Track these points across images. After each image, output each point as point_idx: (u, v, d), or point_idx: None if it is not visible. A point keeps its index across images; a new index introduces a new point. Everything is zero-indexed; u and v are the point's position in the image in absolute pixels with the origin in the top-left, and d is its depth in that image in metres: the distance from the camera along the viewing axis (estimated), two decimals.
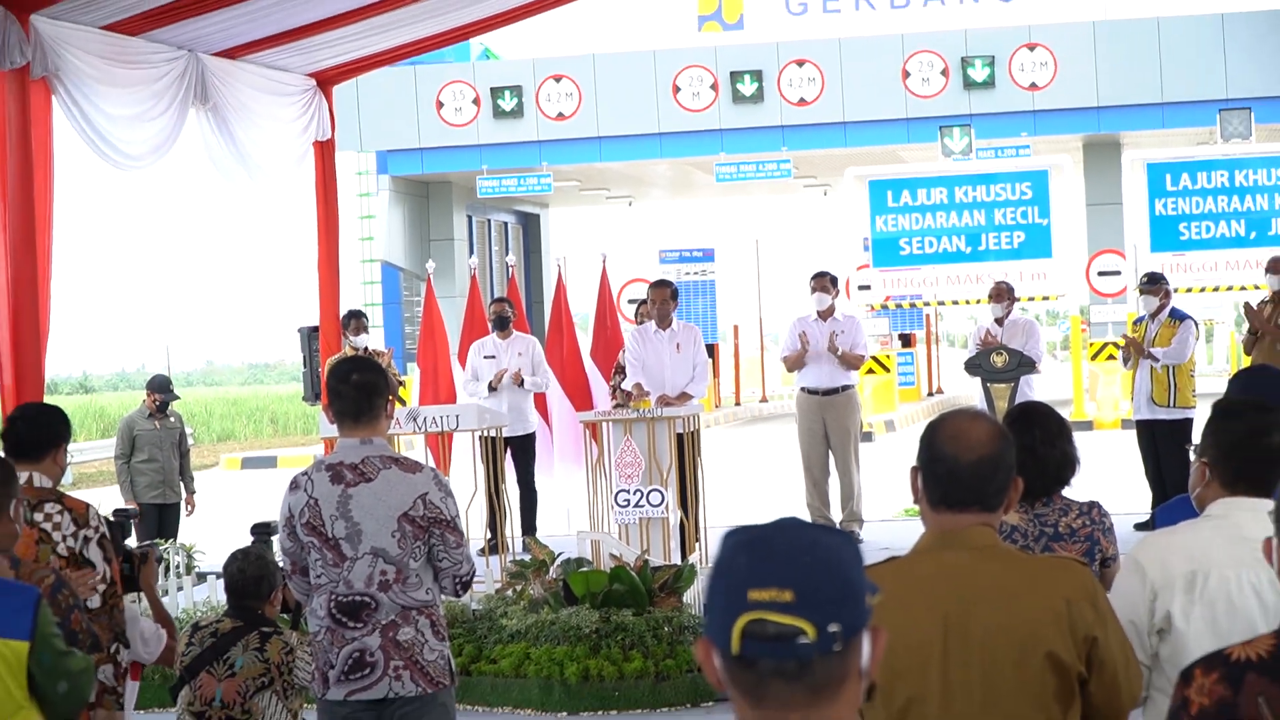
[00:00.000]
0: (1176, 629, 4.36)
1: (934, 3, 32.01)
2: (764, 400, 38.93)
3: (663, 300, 14.81)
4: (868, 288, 27.46)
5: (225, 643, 7.08)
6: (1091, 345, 29.46)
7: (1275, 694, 3.22)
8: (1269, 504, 4.00)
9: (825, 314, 15.40)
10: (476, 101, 31.62)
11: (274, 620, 7.21)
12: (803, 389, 15.56)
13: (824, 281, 15.58)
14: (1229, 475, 4.53)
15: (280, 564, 6.89)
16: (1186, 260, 24.13)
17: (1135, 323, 16.13)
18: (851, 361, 15.42)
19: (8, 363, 10.59)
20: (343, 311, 15.03)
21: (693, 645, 10.48)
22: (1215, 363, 41.80)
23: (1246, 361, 14.75)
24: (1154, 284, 15.75)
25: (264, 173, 13.91)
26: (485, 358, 15.52)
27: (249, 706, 6.98)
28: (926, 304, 28.25)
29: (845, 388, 15.44)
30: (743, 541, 2.40)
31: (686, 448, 13.71)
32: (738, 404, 37.44)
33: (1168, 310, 15.33)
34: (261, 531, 9.29)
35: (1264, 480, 4.44)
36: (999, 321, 16.13)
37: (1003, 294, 16.39)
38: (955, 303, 27.02)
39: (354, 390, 6.55)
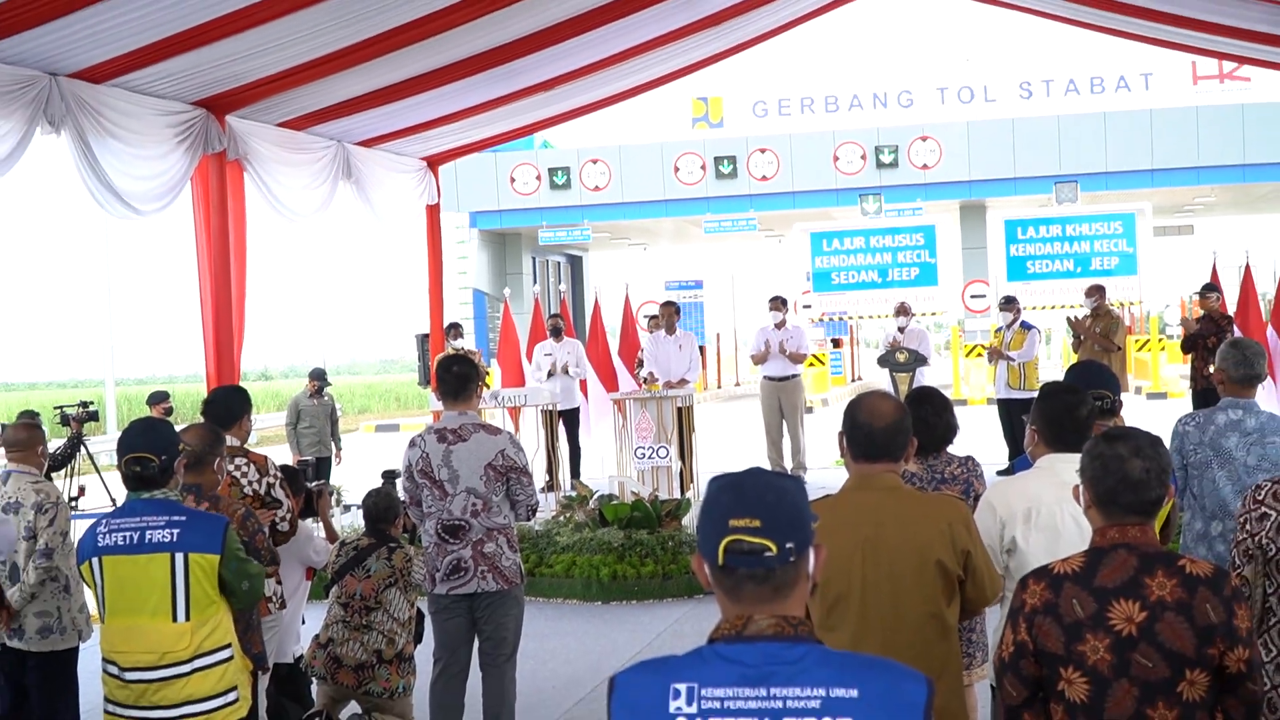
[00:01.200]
0: (1020, 549, 4.35)
1: (855, 108, 31.88)
2: (737, 385, 38.74)
3: (669, 315, 14.83)
4: (809, 306, 27.43)
5: (363, 554, 7.10)
6: (966, 346, 29.36)
7: (1084, 596, 3.25)
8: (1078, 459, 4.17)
9: (779, 325, 15.38)
10: (538, 178, 31.60)
11: (398, 538, 7.21)
12: (765, 377, 15.54)
13: (778, 303, 15.57)
14: (1051, 438, 4.54)
15: (402, 498, 6.89)
16: (1032, 287, 23.99)
17: (996, 331, 16.07)
18: (797, 358, 15.38)
19: (212, 359, 10.62)
20: (445, 323, 15.04)
21: (689, 556, 10.50)
22: (1053, 359, 41.57)
23: (1075, 358, 14.69)
24: (1009, 304, 15.71)
25: (391, 225, 13.97)
26: (545, 355, 15.54)
27: (380, 598, 6.99)
28: (850, 318, 28.17)
29: (793, 376, 15.41)
30: (724, 484, 2.41)
31: (684, 417, 13.72)
32: (719, 387, 37.27)
33: (1019, 322, 15.29)
34: (388, 476, 9.28)
35: (1076, 442, 4.43)
36: (901, 330, 16.10)
37: (904, 310, 16.36)
38: (870, 317, 26.88)
39: (454, 378, 6.57)
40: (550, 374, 15.26)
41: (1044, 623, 3.25)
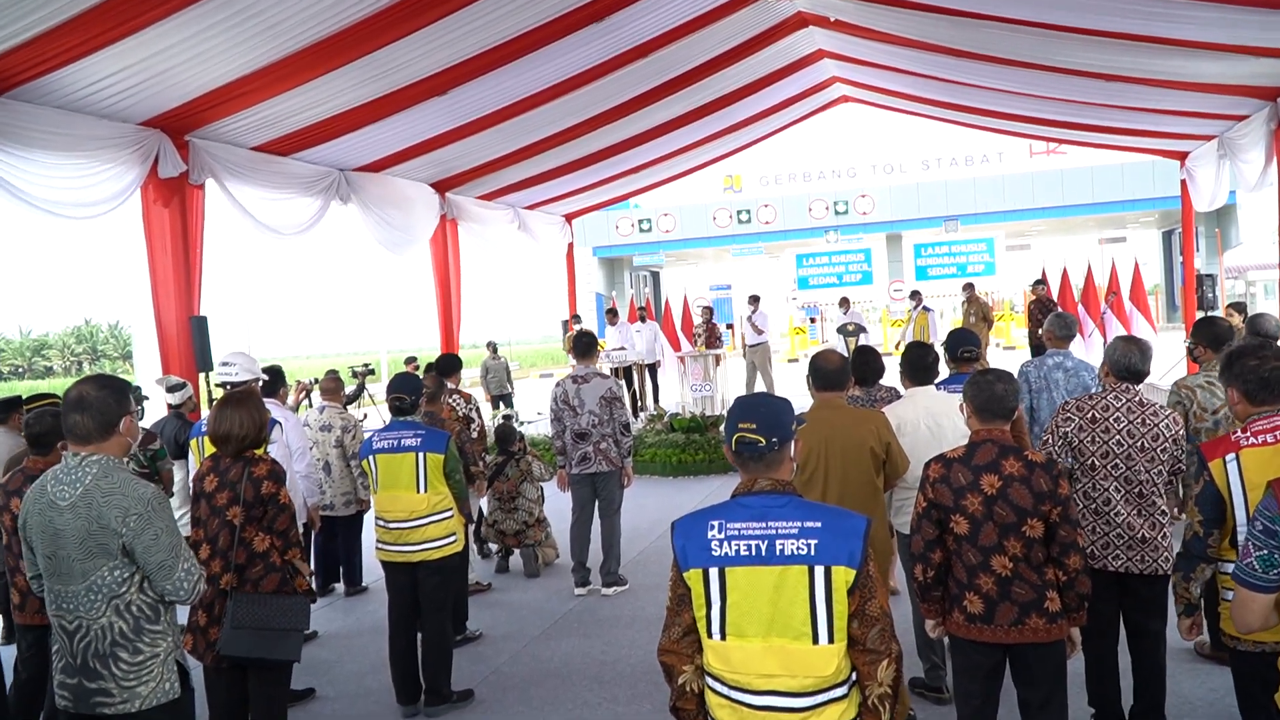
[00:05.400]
0: (903, 443, 4.21)
1: (821, 178, 31.18)
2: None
3: (707, 315, 14.49)
4: (795, 299, 27.19)
5: (501, 466, 7.11)
6: (891, 321, 28.80)
7: (965, 471, 3.15)
8: (929, 389, 4.29)
9: (754, 311, 14.93)
10: (632, 225, 31.47)
11: (517, 451, 7.19)
12: (749, 345, 15.09)
13: (752, 298, 15.14)
14: (913, 377, 4.42)
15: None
16: (930, 285, 23.49)
17: (908, 312, 15.71)
18: (761, 332, 14.81)
19: (442, 337, 10.72)
20: (576, 312, 15.04)
21: (724, 447, 10.42)
22: (944, 328, 40.63)
23: (959, 324, 14.26)
24: (915, 296, 15.34)
25: (546, 258, 14.01)
26: (636, 332, 15.41)
27: (518, 490, 7.02)
28: (820, 305, 27.83)
29: (761, 343, 14.62)
30: (739, 402, 2.39)
31: (720, 367, 13.58)
32: (737, 349, 36.93)
33: (921, 306, 14.93)
34: (506, 417, 9.22)
35: (927, 378, 4.39)
36: (844, 313, 15.74)
37: (844, 302, 15.99)
38: (830, 305, 26.51)
39: (583, 345, 6.52)
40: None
41: (941, 488, 3.17)
